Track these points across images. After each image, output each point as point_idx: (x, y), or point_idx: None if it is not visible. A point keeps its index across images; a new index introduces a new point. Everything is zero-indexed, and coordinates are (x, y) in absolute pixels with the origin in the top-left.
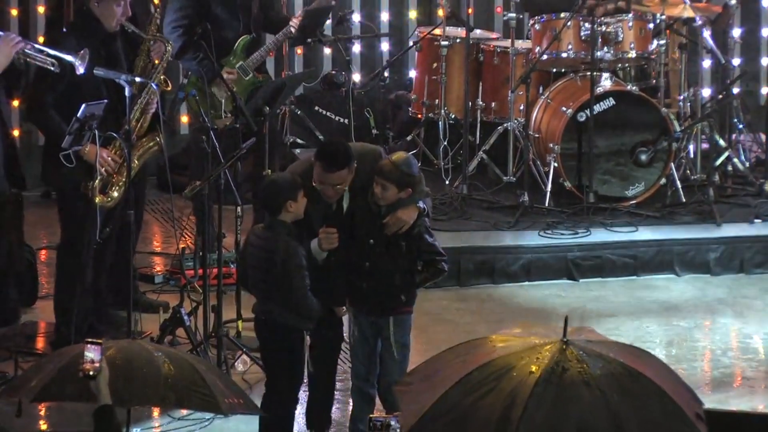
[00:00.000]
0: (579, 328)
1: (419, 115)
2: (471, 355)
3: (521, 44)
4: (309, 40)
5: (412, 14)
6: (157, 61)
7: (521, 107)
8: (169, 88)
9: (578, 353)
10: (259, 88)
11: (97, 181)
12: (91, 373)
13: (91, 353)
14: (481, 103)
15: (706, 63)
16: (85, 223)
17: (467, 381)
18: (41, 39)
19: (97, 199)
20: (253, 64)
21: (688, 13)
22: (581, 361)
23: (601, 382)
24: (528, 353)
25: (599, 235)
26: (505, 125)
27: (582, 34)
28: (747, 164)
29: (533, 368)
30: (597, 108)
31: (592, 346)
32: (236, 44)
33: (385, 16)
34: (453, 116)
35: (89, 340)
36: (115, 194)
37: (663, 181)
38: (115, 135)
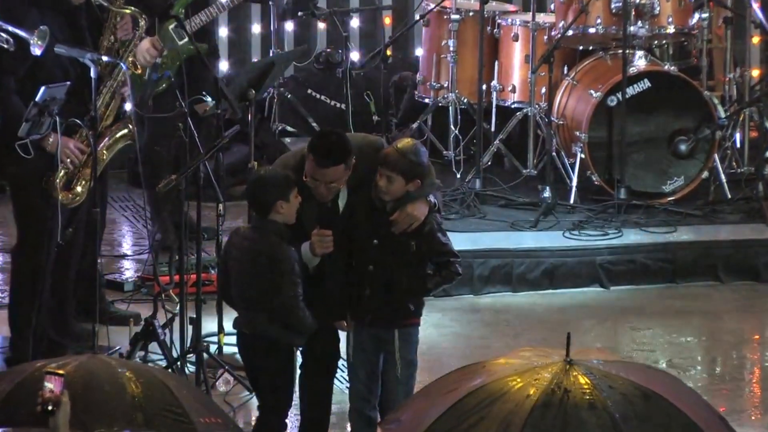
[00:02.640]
0: (586, 349)
1: (426, 100)
2: (463, 382)
3: (543, 18)
4: (301, 13)
5: None
6: (122, 38)
7: (543, 90)
8: (139, 71)
9: (584, 373)
10: (195, 58)
11: (60, 175)
12: (50, 407)
13: (51, 384)
14: (497, 85)
15: (755, 39)
16: (45, 222)
17: (456, 409)
18: None
19: (60, 196)
20: (193, 27)
21: None
22: (587, 382)
23: (609, 404)
24: (525, 375)
25: (632, 237)
26: (524, 111)
27: (613, 6)
28: None
29: (531, 391)
30: (630, 91)
31: (600, 366)
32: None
33: None
34: (465, 100)
35: (49, 370)
36: (79, 189)
37: (705, 174)
38: (79, 122)
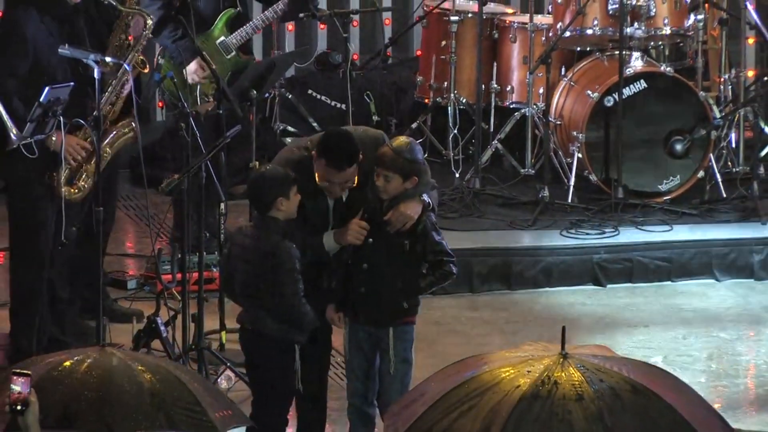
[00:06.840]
0: (586, 345)
1: (426, 100)
2: (459, 372)
3: (541, 19)
4: (301, 14)
5: None
6: (131, 38)
7: (541, 91)
8: (146, 70)
9: (576, 366)
10: (242, 71)
11: (64, 171)
12: (18, 407)
13: (18, 386)
14: (495, 86)
15: (750, 40)
16: (46, 221)
17: (447, 399)
18: None
19: (63, 190)
20: (236, 42)
21: None
22: (578, 374)
23: (597, 397)
24: (519, 367)
25: (629, 235)
26: (522, 111)
27: (609, 8)
28: None
29: (520, 382)
30: (626, 92)
31: (595, 361)
32: (218, 18)
33: None
34: (464, 101)
35: (16, 371)
36: (82, 184)
37: (701, 174)
38: (83, 122)
